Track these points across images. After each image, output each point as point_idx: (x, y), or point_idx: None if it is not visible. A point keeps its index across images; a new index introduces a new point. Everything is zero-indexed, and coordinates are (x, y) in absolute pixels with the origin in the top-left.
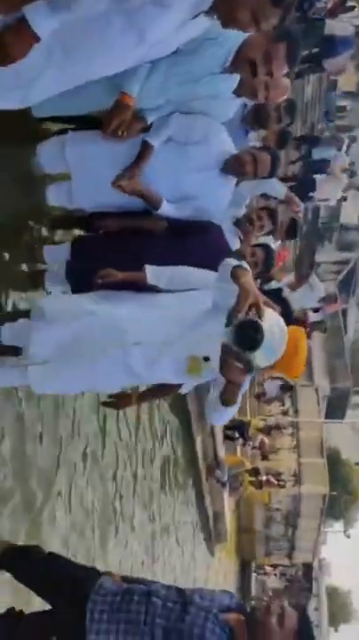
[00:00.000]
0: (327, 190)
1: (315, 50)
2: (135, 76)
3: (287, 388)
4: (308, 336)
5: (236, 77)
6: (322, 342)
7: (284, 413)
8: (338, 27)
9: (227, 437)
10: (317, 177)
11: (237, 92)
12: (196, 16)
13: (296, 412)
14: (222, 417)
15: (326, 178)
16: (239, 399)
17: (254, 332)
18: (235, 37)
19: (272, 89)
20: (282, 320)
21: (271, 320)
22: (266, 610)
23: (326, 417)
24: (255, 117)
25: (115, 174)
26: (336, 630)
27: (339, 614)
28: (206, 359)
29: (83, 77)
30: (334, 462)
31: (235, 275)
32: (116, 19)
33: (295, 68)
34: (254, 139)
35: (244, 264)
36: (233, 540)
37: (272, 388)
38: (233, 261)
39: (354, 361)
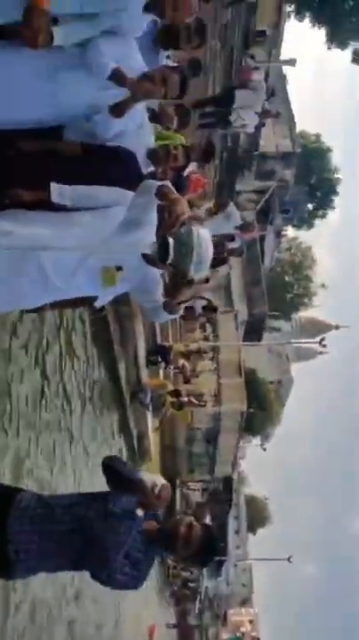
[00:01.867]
0: (246, 99)
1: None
2: None
3: (210, 309)
4: (225, 261)
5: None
6: (240, 270)
7: (206, 339)
8: None
9: (150, 362)
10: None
11: (146, 9)
12: None
13: (216, 336)
14: (164, 318)
15: (245, 90)
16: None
17: (181, 246)
18: None
19: (180, 6)
20: (208, 233)
21: (200, 234)
22: (176, 521)
23: (244, 340)
24: (165, 37)
25: (34, 86)
26: (254, 534)
27: (256, 520)
28: (119, 269)
29: None
30: (251, 382)
31: (161, 192)
32: None
33: None
34: (165, 59)
35: (167, 183)
36: (157, 458)
37: (195, 305)
38: (155, 182)
39: (270, 288)
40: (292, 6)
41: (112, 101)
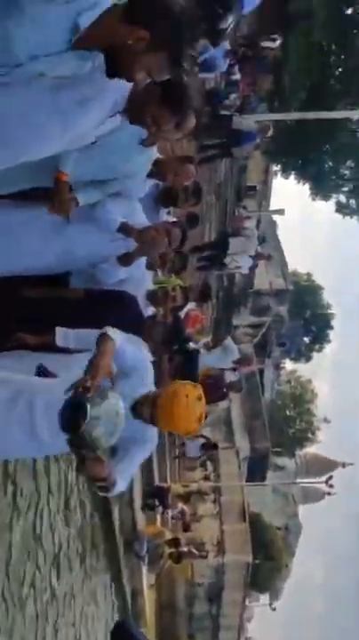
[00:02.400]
0: (240, 246)
1: (224, 140)
2: (69, 156)
3: (209, 446)
4: (225, 396)
5: (149, 151)
6: (240, 403)
7: (206, 478)
8: (244, 123)
9: (146, 506)
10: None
11: (149, 175)
12: (113, 115)
13: (218, 476)
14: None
15: (238, 238)
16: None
17: (74, 413)
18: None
19: (180, 175)
20: (121, 402)
21: (111, 401)
22: None
23: (247, 480)
24: (165, 197)
25: (45, 239)
26: None
27: None
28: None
29: (9, 163)
30: (256, 527)
31: (98, 342)
32: (47, 113)
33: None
34: (165, 217)
35: (113, 332)
36: (153, 620)
37: (192, 447)
38: (108, 329)
39: (271, 422)
40: (279, 166)
41: (117, 252)
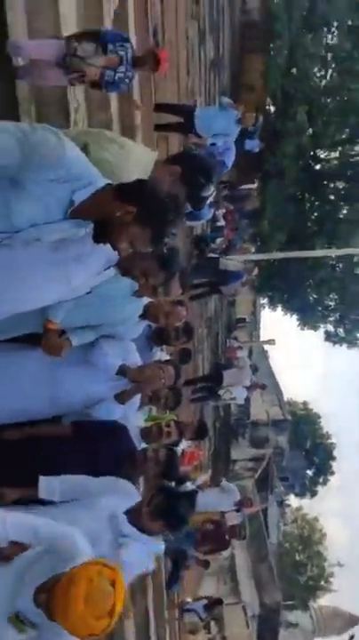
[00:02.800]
0: (233, 378)
1: (213, 279)
2: (60, 306)
3: (213, 603)
4: (227, 545)
5: (140, 301)
6: (245, 547)
7: None
8: (230, 264)
9: None
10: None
11: (142, 316)
12: (107, 268)
13: (224, 638)
14: None
15: (232, 370)
16: None
17: None
18: None
19: (171, 317)
20: None
21: None
22: None
23: None
24: (158, 336)
25: (35, 383)
26: None
27: None
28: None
29: (11, 311)
30: None
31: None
32: (44, 269)
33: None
34: (158, 354)
35: None
36: None
37: (196, 607)
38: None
39: (280, 569)
40: (265, 299)
41: (112, 393)
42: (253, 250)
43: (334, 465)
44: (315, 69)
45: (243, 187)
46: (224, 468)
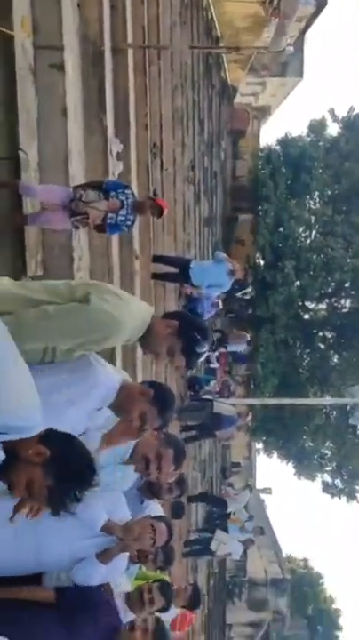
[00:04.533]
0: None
1: (207, 422)
2: None
3: None
4: None
5: (131, 468)
6: None
7: None
8: (224, 407)
9: None
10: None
11: (135, 469)
12: (101, 408)
13: None
14: None
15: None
16: None
17: None
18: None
19: (163, 475)
20: None
21: None
22: None
23: None
24: (149, 489)
25: (16, 538)
26: None
27: None
28: None
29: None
30: None
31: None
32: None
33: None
34: (150, 506)
35: None
36: None
37: None
38: None
39: None
40: (261, 444)
41: (95, 550)
42: (247, 393)
43: (340, 635)
44: (301, 229)
45: (235, 344)
46: (219, 634)
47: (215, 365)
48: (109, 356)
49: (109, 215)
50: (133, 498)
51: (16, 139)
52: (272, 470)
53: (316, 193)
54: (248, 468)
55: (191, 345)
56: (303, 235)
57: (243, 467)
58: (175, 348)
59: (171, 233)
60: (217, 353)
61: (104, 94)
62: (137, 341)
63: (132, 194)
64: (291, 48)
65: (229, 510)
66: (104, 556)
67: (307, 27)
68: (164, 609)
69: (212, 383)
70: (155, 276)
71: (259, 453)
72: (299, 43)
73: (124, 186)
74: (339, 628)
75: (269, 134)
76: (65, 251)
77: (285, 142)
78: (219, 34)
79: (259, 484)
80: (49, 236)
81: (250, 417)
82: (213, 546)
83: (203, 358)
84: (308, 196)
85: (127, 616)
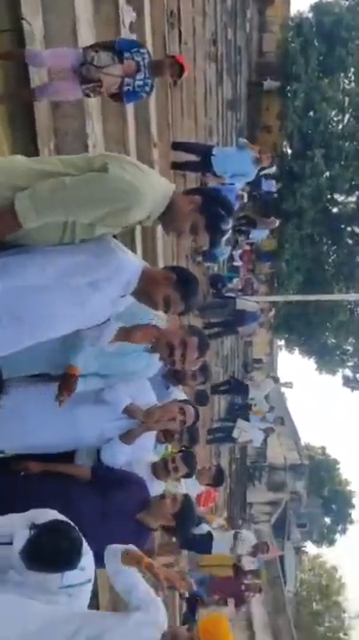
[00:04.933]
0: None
1: (229, 318)
2: (81, 351)
3: None
4: (244, 601)
5: (156, 357)
6: (261, 596)
7: None
8: (247, 304)
9: None
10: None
11: (159, 358)
12: (124, 296)
13: None
14: None
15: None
16: None
17: None
18: (158, 325)
19: (187, 363)
20: None
21: None
22: None
23: None
24: (173, 376)
25: (47, 415)
26: None
27: None
28: None
29: (26, 341)
30: None
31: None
32: (60, 292)
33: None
34: (175, 393)
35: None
36: None
37: None
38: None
39: (297, 618)
40: (283, 341)
41: (119, 432)
42: (270, 292)
43: (353, 513)
44: (333, 113)
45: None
46: (240, 511)
47: (238, 263)
48: (130, 244)
49: (126, 81)
50: (158, 384)
51: (18, 8)
52: (293, 366)
53: (352, 70)
54: (269, 363)
55: (215, 221)
56: (335, 119)
57: (264, 363)
58: (199, 224)
59: (192, 116)
60: (240, 250)
61: None
62: (158, 220)
63: (148, 53)
64: None
65: (251, 397)
66: (126, 436)
67: None
68: (188, 475)
69: (235, 281)
70: (175, 165)
71: (280, 350)
72: None
73: (139, 44)
74: (352, 507)
75: (301, 0)
76: (79, 137)
77: (319, 9)
78: None
79: (281, 379)
80: (61, 121)
81: (273, 312)
82: (235, 433)
83: (226, 237)
84: (343, 74)
85: (154, 486)
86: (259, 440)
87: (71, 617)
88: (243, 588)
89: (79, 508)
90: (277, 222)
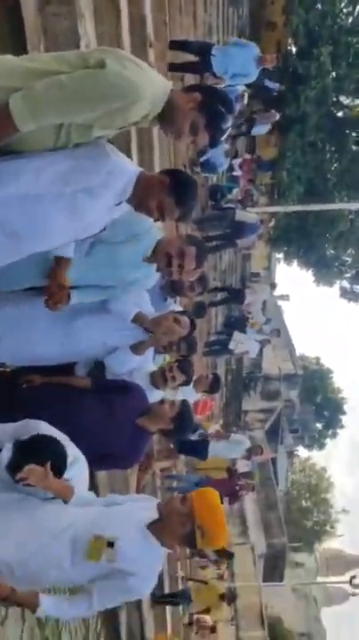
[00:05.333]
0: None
1: (228, 230)
2: (68, 245)
3: (223, 554)
4: (238, 498)
5: (154, 266)
6: (254, 495)
7: (220, 577)
8: (246, 215)
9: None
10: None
11: (157, 268)
12: (119, 203)
13: (232, 575)
14: None
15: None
16: None
17: None
18: (155, 235)
19: (184, 273)
20: None
21: None
22: None
23: (264, 579)
24: (171, 287)
25: (50, 332)
26: None
27: None
28: (110, 544)
29: (22, 253)
30: (276, 634)
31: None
32: (55, 201)
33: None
34: (173, 305)
35: None
36: None
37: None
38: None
39: (287, 514)
40: (281, 254)
41: (125, 343)
42: (270, 203)
43: (344, 419)
44: (342, 4)
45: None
46: (235, 419)
47: (238, 173)
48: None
49: None
50: (156, 296)
51: None
52: (291, 279)
53: None
54: (267, 277)
55: (215, 119)
56: (345, 11)
57: (262, 277)
58: (199, 123)
59: (190, 13)
60: (240, 159)
61: None
62: (155, 120)
63: None
64: None
65: (247, 302)
66: (138, 348)
67: None
68: (186, 383)
69: (235, 191)
70: (173, 66)
71: (278, 262)
72: None
73: None
74: (344, 413)
75: None
76: (70, 38)
77: None
78: None
79: (278, 292)
80: (50, 20)
81: (272, 223)
82: (231, 345)
83: (226, 135)
84: None
85: (153, 395)
86: (254, 351)
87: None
88: (237, 488)
89: (80, 414)
90: (278, 115)
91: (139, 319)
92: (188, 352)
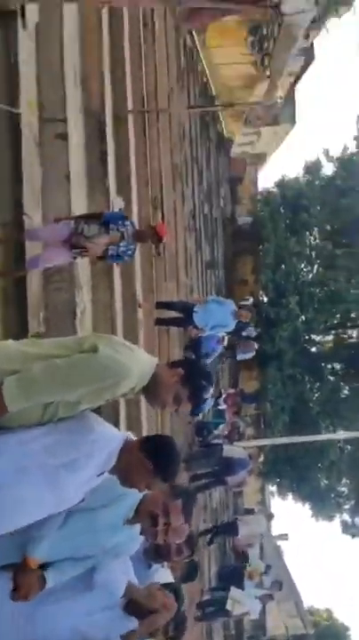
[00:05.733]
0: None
1: (217, 467)
2: (41, 541)
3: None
4: None
5: (138, 528)
6: None
7: None
8: (235, 450)
9: None
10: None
11: (140, 532)
12: (101, 474)
13: None
14: None
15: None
16: None
17: None
18: (137, 495)
19: (171, 534)
20: None
21: None
22: None
23: None
24: (156, 552)
25: (14, 610)
26: None
27: None
28: None
29: None
30: None
31: None
32: (33, 476)
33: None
34: (160, 572)
35: None
36: None
37: None
38: None
39: None
40: (274, 487)
41: (112, 629)
42: (257, 434)
43: None
44: (302, 265)
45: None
46: None
47: (223, 407)
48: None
49: (111, 247)
50: (138, 561)
51: (21, 205)
52: (288, 514)
53: (316, 229)
54: (262, 512)
55: (198, 392)
56: (305, 270)
57: (257, 512)
58: (182, 395)
59: (174, 279)
60: (225, 394)
61: (106, 157)
62: (141, 392)
63: (132, 224)
64: (282, 100)
65: (240, 536)
66: (129, 638)
67: (297, 79)
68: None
69: (221, 427)
70: (159, 321)
71: (273, 496)
72: (291, 93)
73: (123, 217)
74: None
75: (267, 178)
76: (68, 306)
77: (282, 184)
78: (214, 93)
79: (275, 530)
80: (52, 295)
81: (261, 458)
82: (229, 605)
83: (207, 405)
84: (308, 233)
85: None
86: (256, 611)
87: None
88: None
89: None
90: (256, 345)
91: (130, 591)
92: (177, 633)
